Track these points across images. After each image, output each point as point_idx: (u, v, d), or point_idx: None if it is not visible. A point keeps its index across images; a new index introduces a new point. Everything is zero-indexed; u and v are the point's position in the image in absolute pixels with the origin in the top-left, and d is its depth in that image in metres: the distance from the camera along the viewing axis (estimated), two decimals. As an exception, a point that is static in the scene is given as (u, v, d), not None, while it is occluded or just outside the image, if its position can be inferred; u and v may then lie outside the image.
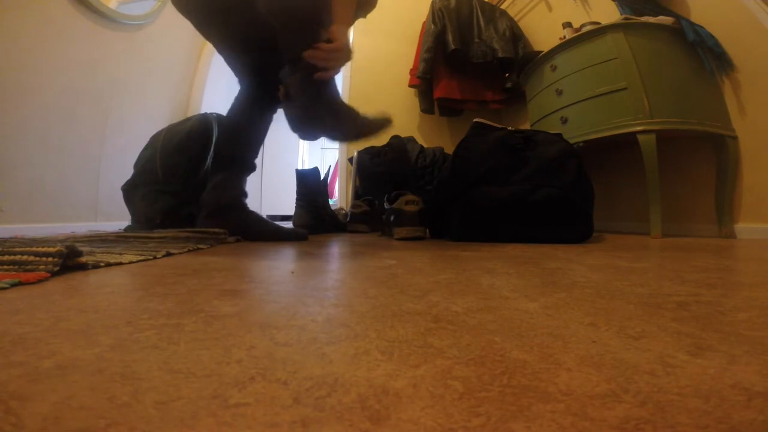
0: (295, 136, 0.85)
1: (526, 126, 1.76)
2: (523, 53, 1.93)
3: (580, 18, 1.61)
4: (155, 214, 1.17)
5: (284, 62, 0.80)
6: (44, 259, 0.42)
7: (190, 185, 1.24)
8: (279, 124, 1.00)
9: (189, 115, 1.90)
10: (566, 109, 1.37)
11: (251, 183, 1.03)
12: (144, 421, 0.12)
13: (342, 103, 0.82)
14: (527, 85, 1.70)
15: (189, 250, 0.69)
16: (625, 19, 1.27)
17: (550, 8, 2.00)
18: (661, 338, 0.21)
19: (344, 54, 0.79)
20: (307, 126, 0.80)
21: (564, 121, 1.37)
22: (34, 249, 0.43)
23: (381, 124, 0.83)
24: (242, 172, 1.02)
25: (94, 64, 1.66)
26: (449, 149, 1.38)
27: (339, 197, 2.54)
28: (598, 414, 0.13)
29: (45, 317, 0.25)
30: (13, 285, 0.34)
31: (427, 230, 1.10)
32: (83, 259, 0.45)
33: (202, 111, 1.52)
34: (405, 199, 1.06)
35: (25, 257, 0.42)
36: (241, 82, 1.03)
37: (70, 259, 0.44)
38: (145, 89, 2.02)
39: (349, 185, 1.81)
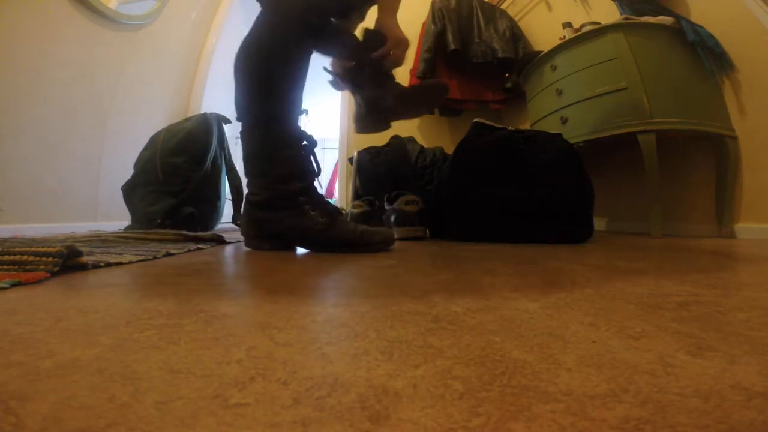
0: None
1: (526, 126, 1.76)
2: (523, 53, 1.93)
3: (580, 18, 1.61)
4: (155, 214, 1.17)
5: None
6: (44, 259, 0.42)
7: (190, 185, 1.24)
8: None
9: (189, 115, 1.90)
10: (566, 109, 1.37)
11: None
12: (144, 421, 0.12)
13: (401, 86, 0.87)
14: (527, 85, 1.70)
15: (189, 250, 0.69)
16: (625, 19, 1.27)
17: (550, 8, 2.00)
18: (661, 338, 0.21)
19: (404, 45, 0.84)
20: (381, 120, 0.84)
21: (564, 121, 1.37)
22: (34, 249, 0.43)
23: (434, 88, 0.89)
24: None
25: (94, 64, 1.66)
26: (449, 149, 1.37)
27: (339, 197, 2.54)
28: (598, 414, 0.13)
29: (45, 317, 0.25)
30: (13, 285, 0.34)
31: (427, 230, 1.10)
32: (83, 259, 0.45)
33: (202, 111, 1.52)
34: (405, 199, 1.06)
35: (25, 257, 0.42)
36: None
37: (70, 259, 0.44)
38: (145, 89, 2.01)
39: (349, 185, 1.81)
